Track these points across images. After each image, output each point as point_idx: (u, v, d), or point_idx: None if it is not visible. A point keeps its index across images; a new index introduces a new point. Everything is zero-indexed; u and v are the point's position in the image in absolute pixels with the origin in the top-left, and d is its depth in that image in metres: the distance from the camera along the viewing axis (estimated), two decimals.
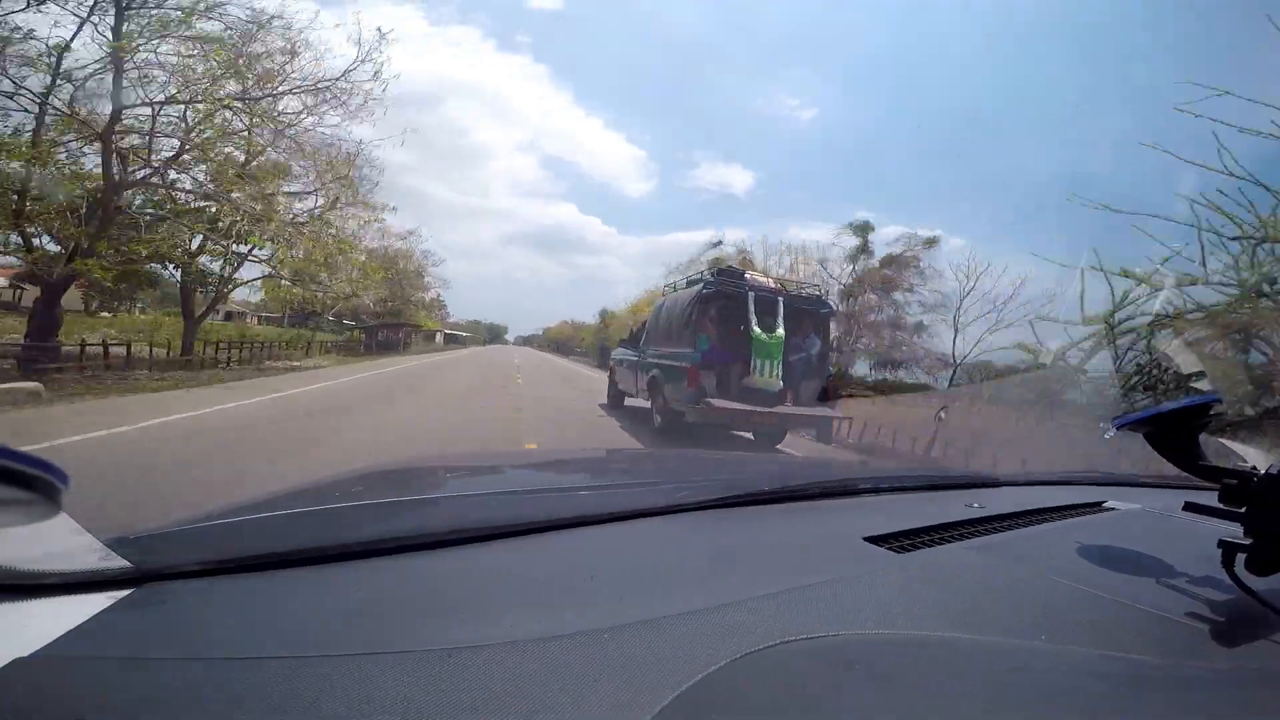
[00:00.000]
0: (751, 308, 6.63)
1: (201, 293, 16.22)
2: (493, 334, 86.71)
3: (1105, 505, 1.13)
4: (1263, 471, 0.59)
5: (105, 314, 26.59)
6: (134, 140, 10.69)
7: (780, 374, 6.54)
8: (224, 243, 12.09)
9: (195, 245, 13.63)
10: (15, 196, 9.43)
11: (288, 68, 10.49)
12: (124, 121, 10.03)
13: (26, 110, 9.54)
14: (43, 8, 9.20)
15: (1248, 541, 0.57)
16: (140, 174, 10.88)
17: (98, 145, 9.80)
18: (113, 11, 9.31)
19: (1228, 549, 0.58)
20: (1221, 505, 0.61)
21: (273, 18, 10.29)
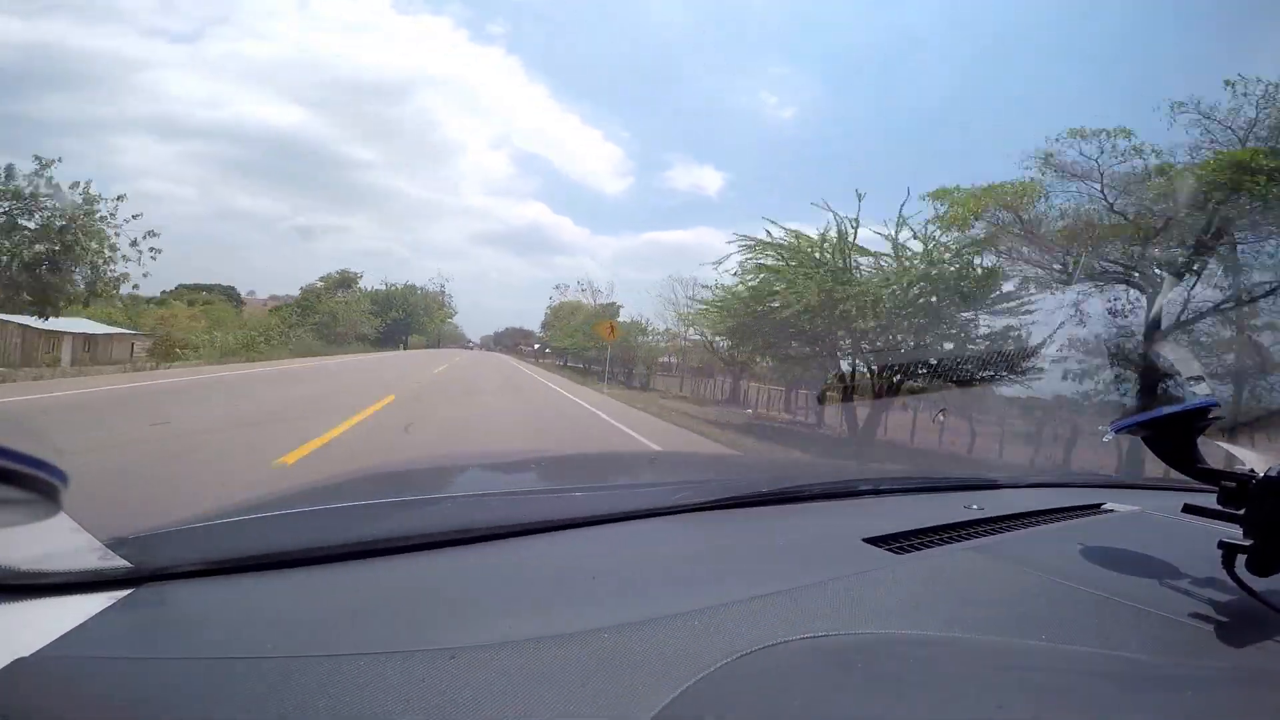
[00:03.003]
0: None
1: None
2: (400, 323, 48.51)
3: (1104, 507, 1.13)
4: (1261, 474, 0.59)
5: None
6: None
7: None
8: None
9: None
10: None
11: None
12: None
13: None
14: None
15: (1247, 543, 0.57)
16: None
17: None
18: None
19: (1228, 550, 0.58)
20: (1220, 507, 0.61)
21: None
